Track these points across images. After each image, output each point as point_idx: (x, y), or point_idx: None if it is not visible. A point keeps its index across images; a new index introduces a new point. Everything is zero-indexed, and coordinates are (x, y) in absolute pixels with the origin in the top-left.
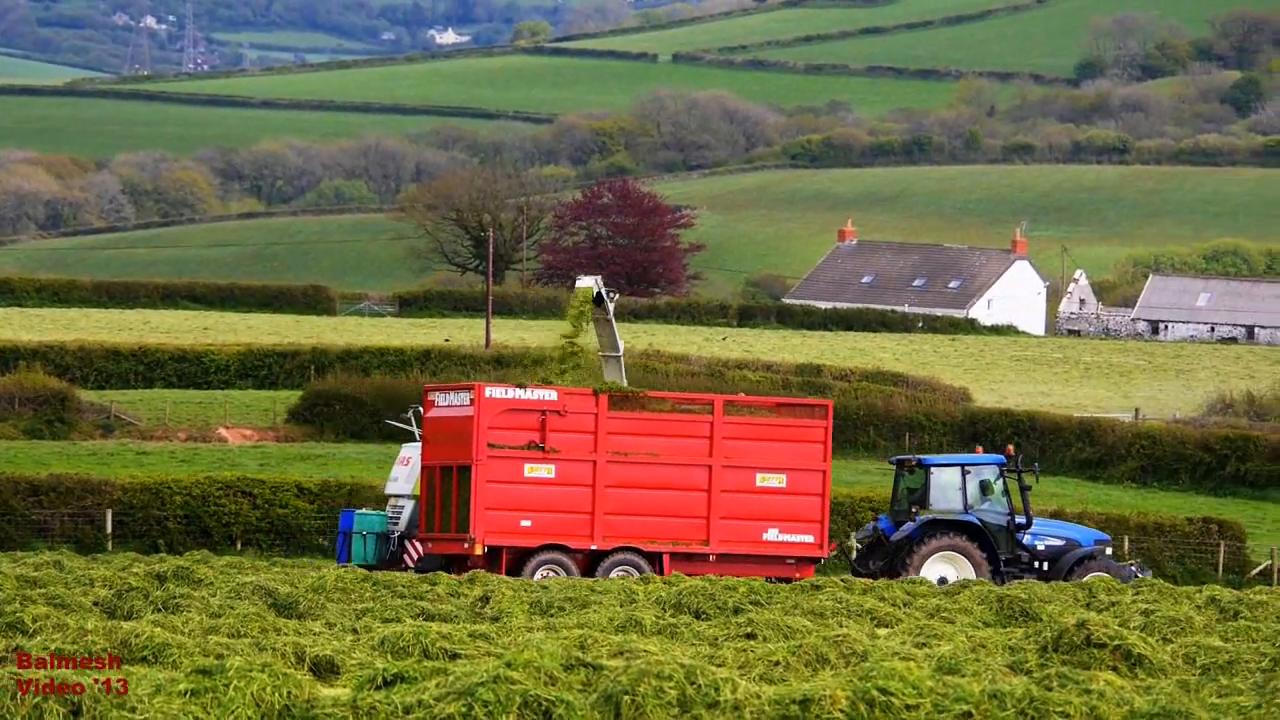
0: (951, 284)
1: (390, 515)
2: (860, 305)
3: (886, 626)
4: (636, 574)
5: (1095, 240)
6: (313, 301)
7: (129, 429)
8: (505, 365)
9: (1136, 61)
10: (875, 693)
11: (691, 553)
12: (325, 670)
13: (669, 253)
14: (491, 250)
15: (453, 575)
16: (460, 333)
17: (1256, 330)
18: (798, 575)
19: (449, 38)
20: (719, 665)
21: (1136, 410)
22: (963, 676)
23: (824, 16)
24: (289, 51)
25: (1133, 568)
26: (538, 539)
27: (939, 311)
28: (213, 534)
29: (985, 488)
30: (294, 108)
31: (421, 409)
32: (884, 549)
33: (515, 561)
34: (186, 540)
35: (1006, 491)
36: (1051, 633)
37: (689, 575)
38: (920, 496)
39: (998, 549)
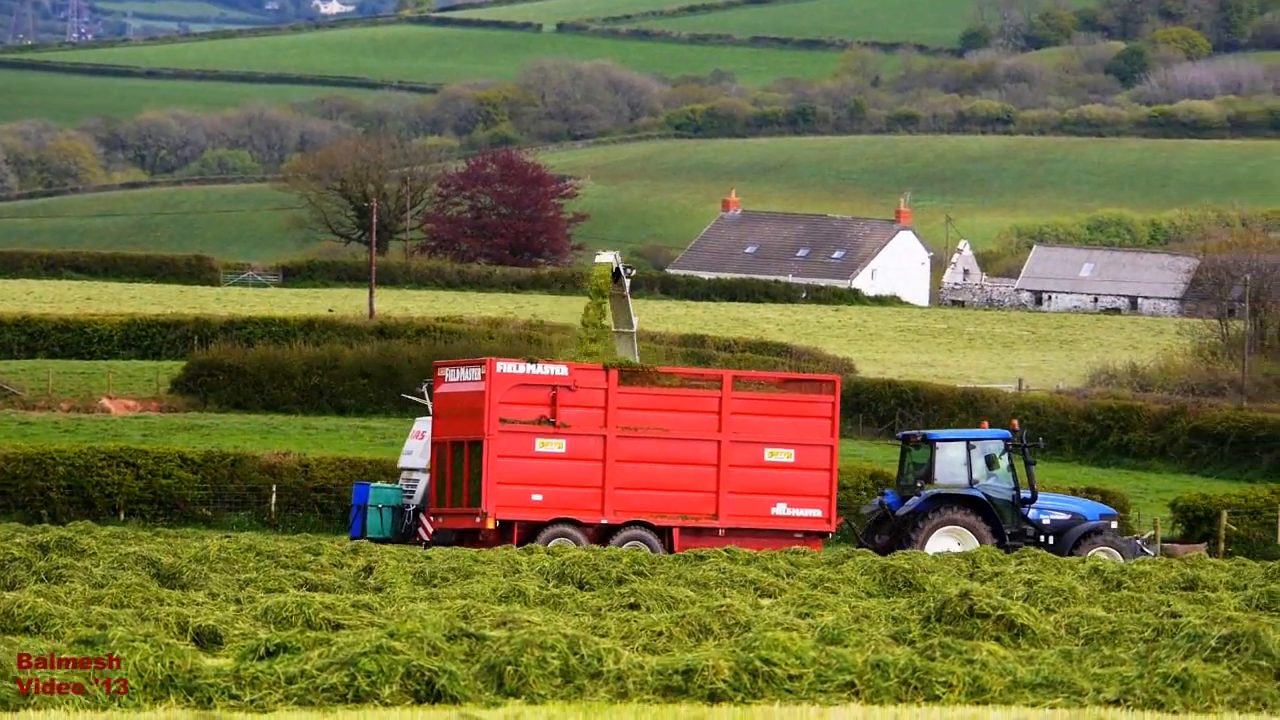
0: (835, 254)
1: (405, 489)
2: (744, 275)
3: (770, 597)
4: (647, 548)
5: (979, 211)
6: (196, 272)
7: (11, 399)
8: (388, 336)
9: (1021, 32)
10: (758, 663)
11: (701, 527)
12: (208, 640)
13: (553, 223)
14: (375, 220)
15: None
16: (344, 303)
17: (1139, 301)
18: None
19: (334, 7)
20: (602, 636)
21: (1020, 381)
22: (845, 647)
23: None
24: (173, 21)
25: (1139, 542)
26: (549, 513)
27: (823, 282)
28: (96, 504)
29: (991, 462)
30: (178, 77)
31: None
32: (890, 523)
33: (526, 535)
34: (69, 510)
35: (1012, 466)
36: (935, 603)
37: (699, 549)
38: (926, 471)
39: (1003, 523)
